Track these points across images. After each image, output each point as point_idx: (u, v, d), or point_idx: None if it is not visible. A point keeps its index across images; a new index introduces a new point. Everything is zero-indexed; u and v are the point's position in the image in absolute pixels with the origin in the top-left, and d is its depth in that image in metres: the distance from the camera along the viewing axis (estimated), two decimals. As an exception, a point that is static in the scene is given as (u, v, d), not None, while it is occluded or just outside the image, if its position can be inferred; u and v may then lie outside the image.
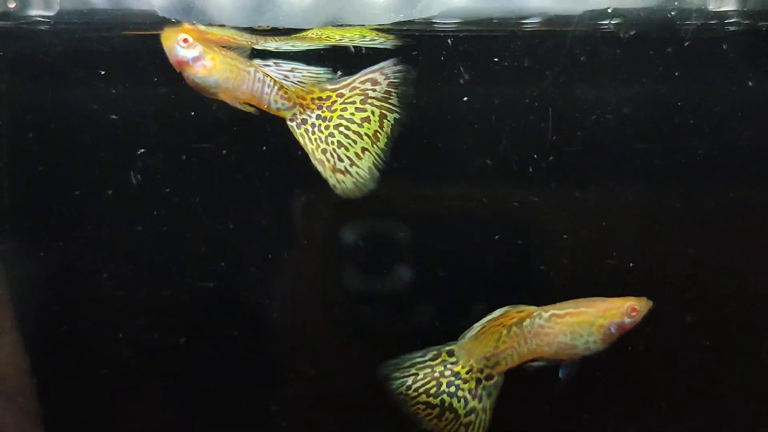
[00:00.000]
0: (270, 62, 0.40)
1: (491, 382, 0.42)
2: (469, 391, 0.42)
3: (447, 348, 0.42)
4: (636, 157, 0.45)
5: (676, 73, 0.44)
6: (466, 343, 0.41)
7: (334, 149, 0.40)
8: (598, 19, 0.43)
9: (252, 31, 0.41)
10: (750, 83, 0.45)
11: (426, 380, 0.42)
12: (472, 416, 0.42)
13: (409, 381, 0.42)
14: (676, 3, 0.43)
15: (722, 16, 0.44)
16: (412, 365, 0.42)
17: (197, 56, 0.38)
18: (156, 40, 0.39)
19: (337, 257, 0.47)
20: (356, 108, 0.40)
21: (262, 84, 0.39)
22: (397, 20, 0.43)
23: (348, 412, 0.48)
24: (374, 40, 0.41)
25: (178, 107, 0.45)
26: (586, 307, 0.41)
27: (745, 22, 0.44)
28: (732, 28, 0.44)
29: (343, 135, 0.40)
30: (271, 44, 0.40)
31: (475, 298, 0.46)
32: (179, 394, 0.48)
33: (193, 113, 0.44)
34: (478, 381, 0.42)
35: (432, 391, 0.42)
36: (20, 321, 0.44)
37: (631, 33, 0.43)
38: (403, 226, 0.46)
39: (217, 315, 0.47)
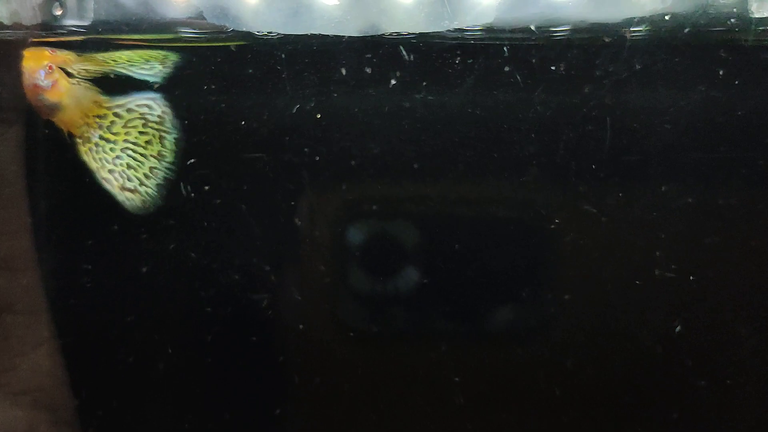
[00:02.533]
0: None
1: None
2: None
3: None
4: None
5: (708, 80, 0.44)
6: None
7: (123, 170, 0.43)
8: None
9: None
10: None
11: None
12: None
13: None
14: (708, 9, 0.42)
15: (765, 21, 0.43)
16: None
17: (54, 84, 0.41)
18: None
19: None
20: (139, 132, 0.43)
21: None
22: (429, 29, 0.43)
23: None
24: (154, 66, 0.43)
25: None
26: None
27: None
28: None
29: (131, 158, 0.43)
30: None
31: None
32: (205, 400, 0.48)
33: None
34: None
35: None
36: (59, 331, 0.44)
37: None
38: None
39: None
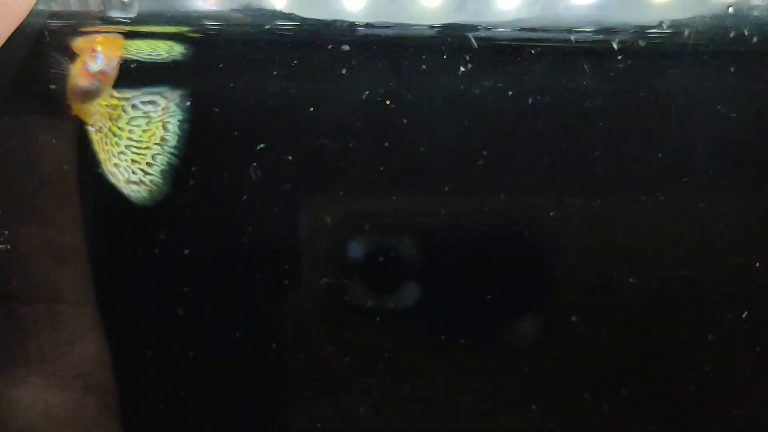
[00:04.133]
0: None
1: None
2: None
3: None
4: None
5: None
6: None
7: (127, 166, 0.42)
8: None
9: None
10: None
11: None
12: None
13: None
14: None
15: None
16: None
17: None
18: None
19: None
20: (143, 130, 0.42)
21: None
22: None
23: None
24: (159, 54, 0.43)
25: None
26: None
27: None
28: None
29: (134, 154, 0.42)
30: None
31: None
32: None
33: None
34: None
35: None
36: (106, 319, 0.45)
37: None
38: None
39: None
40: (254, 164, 0.43)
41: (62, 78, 0.42)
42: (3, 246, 0.42)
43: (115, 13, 0.43)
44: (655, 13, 0.42)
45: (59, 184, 0.43)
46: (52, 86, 0.42)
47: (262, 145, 0.44)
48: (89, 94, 0.42)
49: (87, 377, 0.44)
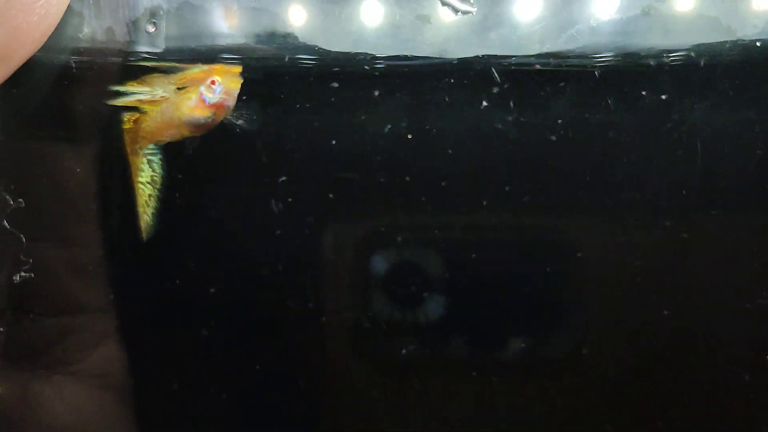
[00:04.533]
0: None
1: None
2: None
3: None
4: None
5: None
6: None
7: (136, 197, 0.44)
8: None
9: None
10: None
11: None
12: None
13: None
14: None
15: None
16: None
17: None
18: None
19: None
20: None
21: None
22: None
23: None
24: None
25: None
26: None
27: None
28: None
29: (138, 184, 0.44)
30: None
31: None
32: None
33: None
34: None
35: None
36: (125, 323, 0.48)
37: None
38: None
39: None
40: (276, 196, 0.44)
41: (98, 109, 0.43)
42: (27, 274, 0.43)
43: (142, 48, 0.44)
44: (681, 41, 0.42)
45: (83, 208, 0.46)
46: (80, 115, 0.43)
47: (283, 178, 0.44)
48: (203, 127, 0.42)
49: (106, 377, 0.49)
